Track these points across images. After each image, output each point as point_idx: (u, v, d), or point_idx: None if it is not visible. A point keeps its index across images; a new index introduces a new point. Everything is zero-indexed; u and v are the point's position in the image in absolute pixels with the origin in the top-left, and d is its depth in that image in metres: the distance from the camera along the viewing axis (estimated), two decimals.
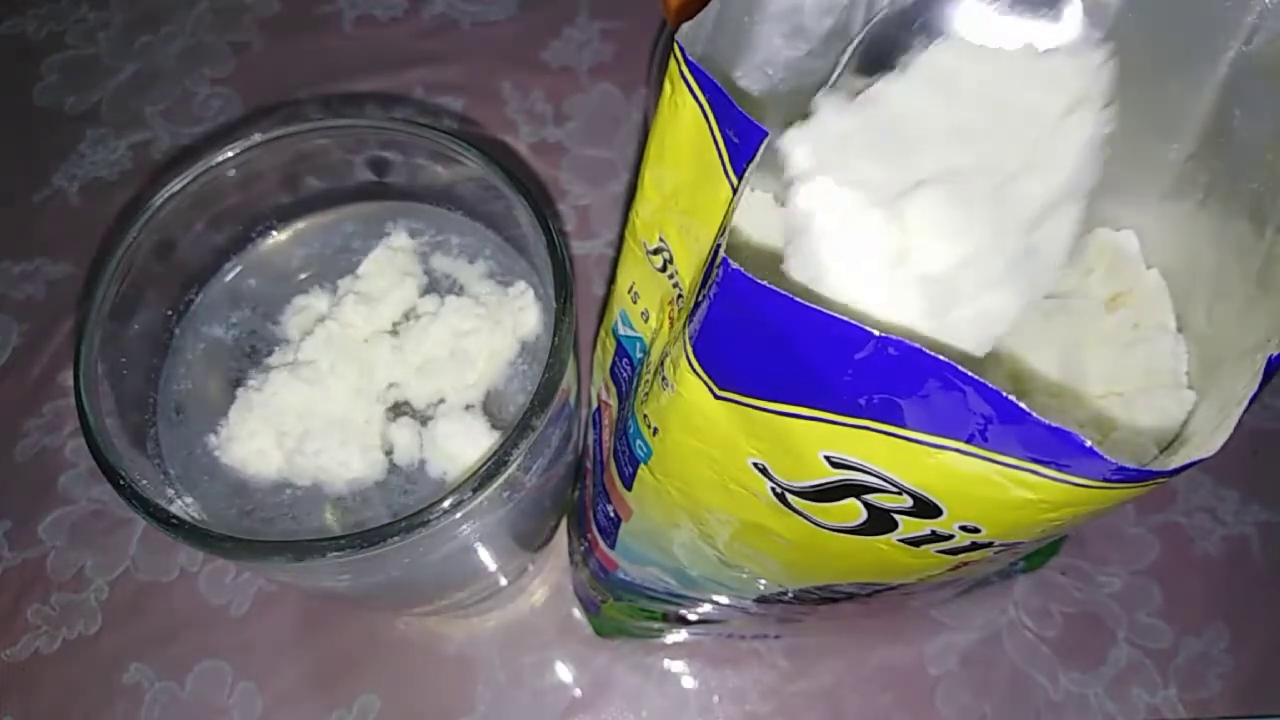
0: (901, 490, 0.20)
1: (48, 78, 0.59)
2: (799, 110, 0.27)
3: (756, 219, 0.28)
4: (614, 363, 0.32)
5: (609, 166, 0.55)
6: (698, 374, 0.21)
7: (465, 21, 0.60)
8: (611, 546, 0.34)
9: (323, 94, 0.57)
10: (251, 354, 0.33)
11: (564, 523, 0.43)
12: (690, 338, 0.21)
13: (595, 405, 0.36)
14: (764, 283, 0.18)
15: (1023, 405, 0.17)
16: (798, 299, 0.17)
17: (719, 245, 0.19)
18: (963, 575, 0.29)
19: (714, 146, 0.22)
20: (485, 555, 0.34)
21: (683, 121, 0.23)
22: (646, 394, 0.25)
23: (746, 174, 0.21)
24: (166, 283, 0.33)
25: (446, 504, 0.25)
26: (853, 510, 0.21)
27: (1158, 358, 0.25)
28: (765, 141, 0.20)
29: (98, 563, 0.45)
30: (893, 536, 0.22)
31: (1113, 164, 0.21)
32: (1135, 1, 0.23)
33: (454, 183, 0.34)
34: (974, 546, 0.22)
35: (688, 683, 0.42)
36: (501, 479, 0.26)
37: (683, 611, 0.37)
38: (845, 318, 0.17)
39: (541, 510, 0.36)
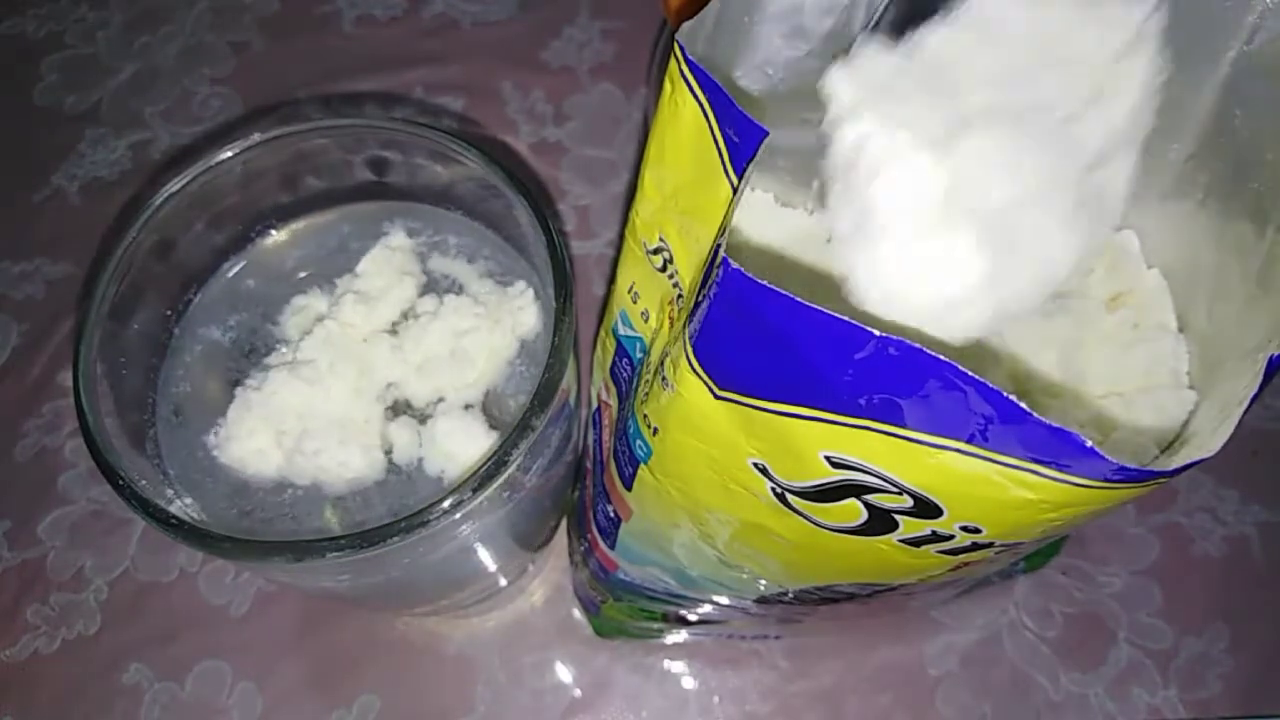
0: (902, 490, 0.20)
1: (47, 77, 0.59)
2: (799, 110, 0.27)
3: (756, 219, 0.28)
4: (614, 363, 0.32)
5: (609, 166, 0.55)
6: (698, 374, 0.21)
7: (465, 21, 0.60)
8: (611, 547, 0.34)
9: (322, 94, 0.57)
10: (250, 354, 0.33)
11: (564, 523, 0.43)
12: (690, 338, 0.21)
13: (595, 405, 0.36)
14: (764, 283, 0.18)
15: (1023, 405, 0.17)
16: (798, 299, 0.17)
17: (719, 245, 0.19)
18: (963, 575, 0.29)
19: (714, 146, 0.22)
20: (485, 555, 0.34)
21: (683, 121, 0.23)
22: (646, 394, 0.25)
23: (746, 174, 0.21)
24: (166, 282, 0.33)
25: (446, 504, 0.25)
26: (853, 510, 0.21)
27: (1158, 358, 0.25)
28: (765, 141, 0.20)
29: (97, 563, 0.45)
30: (893, 537, 0.22)
31: None
32: None
33: (454, 182, 0.34)
34: (974, 547, 0.21)
35: (688, 683, 0.42)
36: (501, 479, 0.26)
37: (683, 612, 0.37)
38: (845, 318, 0.17)
39: (541, 510, 0.36)
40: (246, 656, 0.43)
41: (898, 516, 0.21)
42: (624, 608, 0.38)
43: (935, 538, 0.21)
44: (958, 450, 0.18)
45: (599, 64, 0.58)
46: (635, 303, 0.29)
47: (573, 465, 0.37)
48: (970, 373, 0.17)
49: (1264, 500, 0.45)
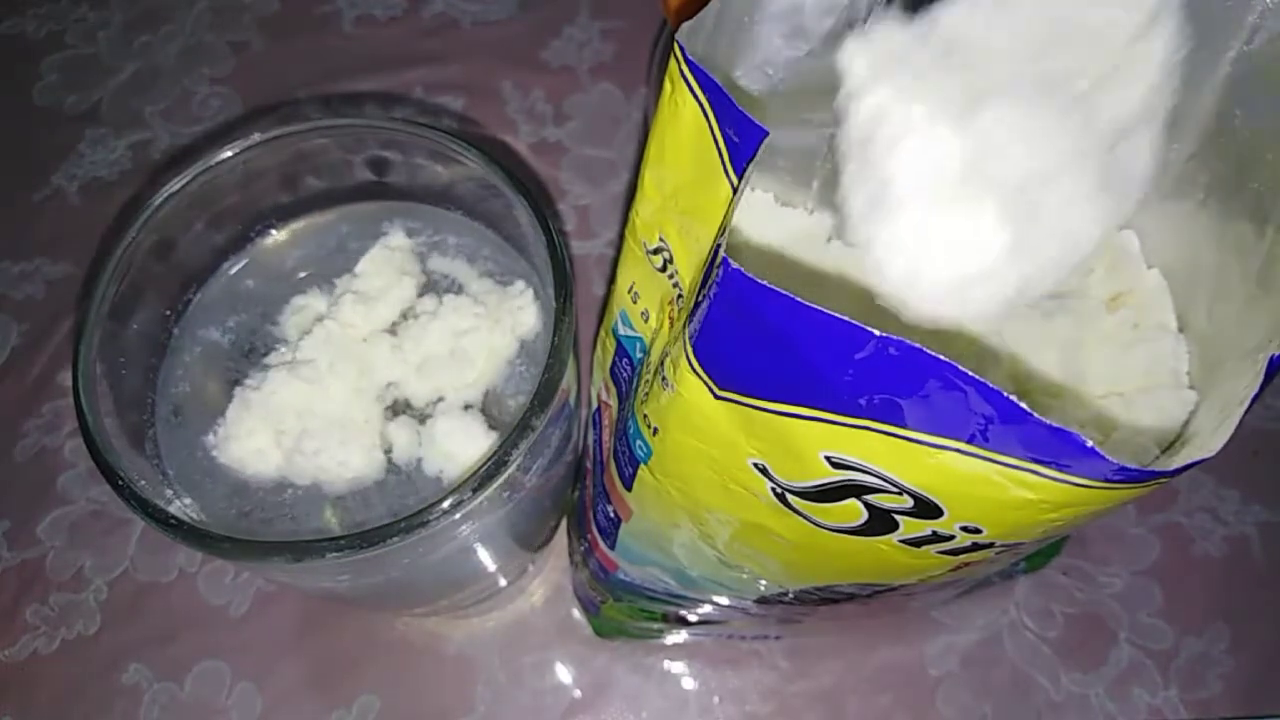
0: (902, 490, 0.20)
1: (47, 77, 0.59)
2: (799, 110, 0.27)
3: (756, 219, 0.28)
4: (614, 363, 0.32)
5: (609, 166, 0.55)
6: (698, 374, 0.21)
7: (465, 21, 0.60)
8: (611, 547, 0.34)
9: (322, 94, 0.57)
10: (250, 354, 0.33)
11: (564, 523, 0.43)
12: (690, 338, 0.21)
13: (595, 405, 0.36)
14: (764, 283, 0.18)
15: (1023, 405, 0.17)
16: (798, 299, 0.17)
17: (719, 245, 0.19)
18: (964, 576, 0.29)
19: (714, 146, 0.22)
20: (485, 555, 0.34)
21: (683, 121, 0.23)
22: (646, 394, 0.25)
23: (746, 174, 0.21)
24: (165, 282, 0.33)
25: (446, 504, 0.25)
26: (853, 511, 0.21)
27: (1158, 358, 0.25)
28: (765, 141, 0.20)
29: (97, 563, 0.45)
30: (893, 537, 0.22)
31: None
32: None
33: (454, 182, 0.34)
34: (975, 547, 0.21)
35: (688, 683, 0.42)
36: (501, 479, 0.26)
37: (683, 612, 0.37)
38: (845, 318, 0.17)
39: (541, 510, 0.36)
40: (246, 656, 0.43)
41: (898, 517, 0.21)
42: (624, 608, 0.38)
43: (935, 538, 0.21)
44: (958, 450, 0.18)
45: (599, 64, 0.58)
46: (635, 303, 0.29)
47: (573, 465, 0.37)
48: (970, 373, 0.17)
49: (1264, 500, 0.45)
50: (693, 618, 0.38)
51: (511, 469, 0.26)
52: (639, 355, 0.29)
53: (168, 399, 0.32)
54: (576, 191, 0.54)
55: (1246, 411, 0.18)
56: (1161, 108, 0.20)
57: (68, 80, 0.59)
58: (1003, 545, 0.22)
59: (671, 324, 0.26)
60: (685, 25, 0.22)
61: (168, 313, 0.33)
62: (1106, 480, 0.17)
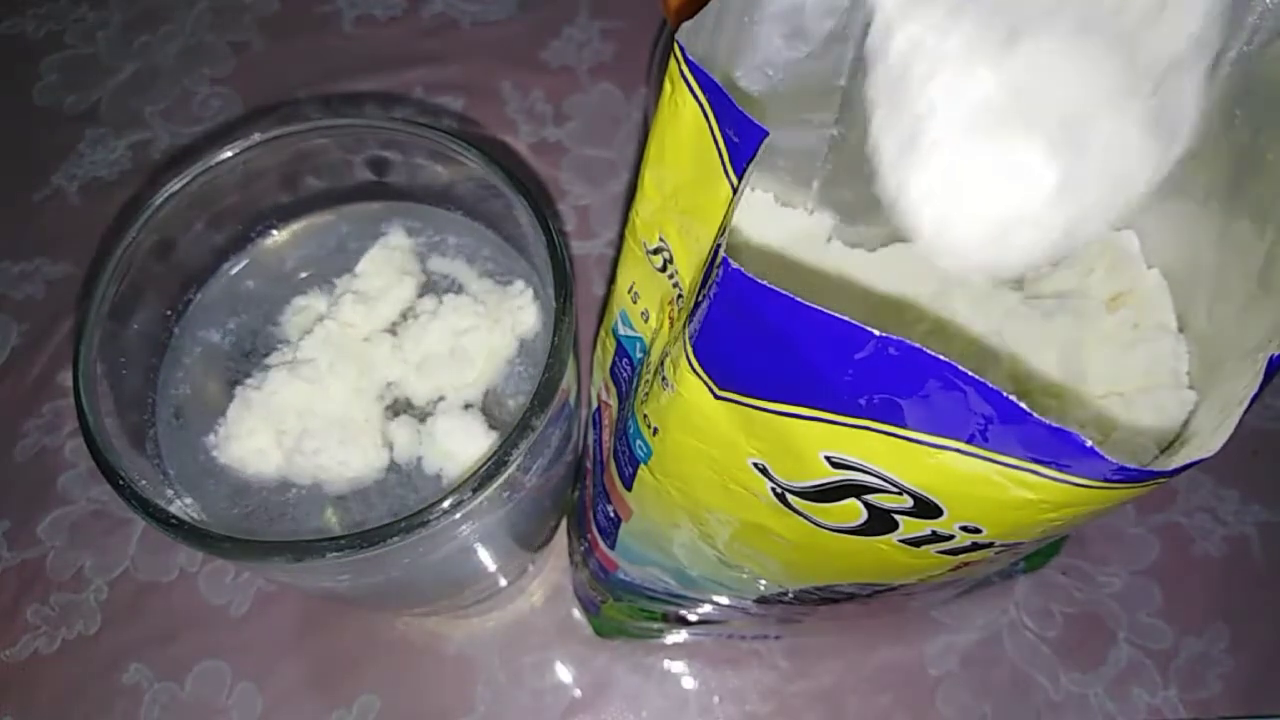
0: (902, 490, 0.20)
1: (47, 77, 0.59)
2: (799, 110, 0.27)
3: (756, 219, 0.28)
4: (614, 363, 0.32)
5: (609, 166, 0.55)
6: (698, 374, 0.21)
7: (465, 21, 0.60)
8: (611, 547, 0.34)
9: (322, 94, 0.57)
10: (250, 354, 0.33)
11: (564, 523, 0.43)
12: (690, 338, 0.21)
13: (595, 405, 0.36)
14: (764, 283, 0.18)
15: (1023, 405, 0.17)
16: (798, 299, 0.17)
17: (719, 245, 0.19)
18: (963, 576, 0.29)
19: (714, 146, 0.22)
20: (485, 555, 0.34)
21: (683, 121, 0.23)
22: (646, 394, 0.25)
23: (746, 174, 0.21)
24: (166, 282, 0.33)
25: (446, 504, 0.25)
26: (853, 510, 0.21)
27: (1158, 358, 0.25)
28: (765, 141, 0.20)
29: (97, 563, 0.45)
30: (893, 537, 0.22)
31: None
32: None
33: (454, 182, 0.34)
34: (974, 547, 0.21)
35: (688, 683, 0.42)
36: (501, 479, 0.26)
37: (683, 612, 0.37)
38: (845, 318, 0.17)
39: (541, 510, 0.36)
40: (246, 656, 0.43)
41: (898, 516, 0.21)
42: (624, 608, 0.38)
43: (935, 538, 0.21)
44: (958, 450, 0.18)
45: (599, 64, 0.58)
46: (635, 303, 0.29)
47: (573, 465, 0.37)
48: (970, 373, 0.17)
49: (1264, 500, 0.45)
50: (693, 617, 0.38)
51: (511, 469, 0.26)
52: (639, 355, 0.29)
53: (168, 399, 0.32)
54: (576, 191, 0.54)
55: (1246, 411, 0.18)
56: (1208, 47, 0.19)
57: (67, 80, 0.59)
58: (1002, 545, 0.22)
59: (671, 324, 0.26)
60: (685, 25, 0.22)
61: (168, 313, 0.33)
62: (1106, 480, 0.17)
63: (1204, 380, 0.24)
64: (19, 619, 0.44)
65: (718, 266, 0.19)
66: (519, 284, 0.33)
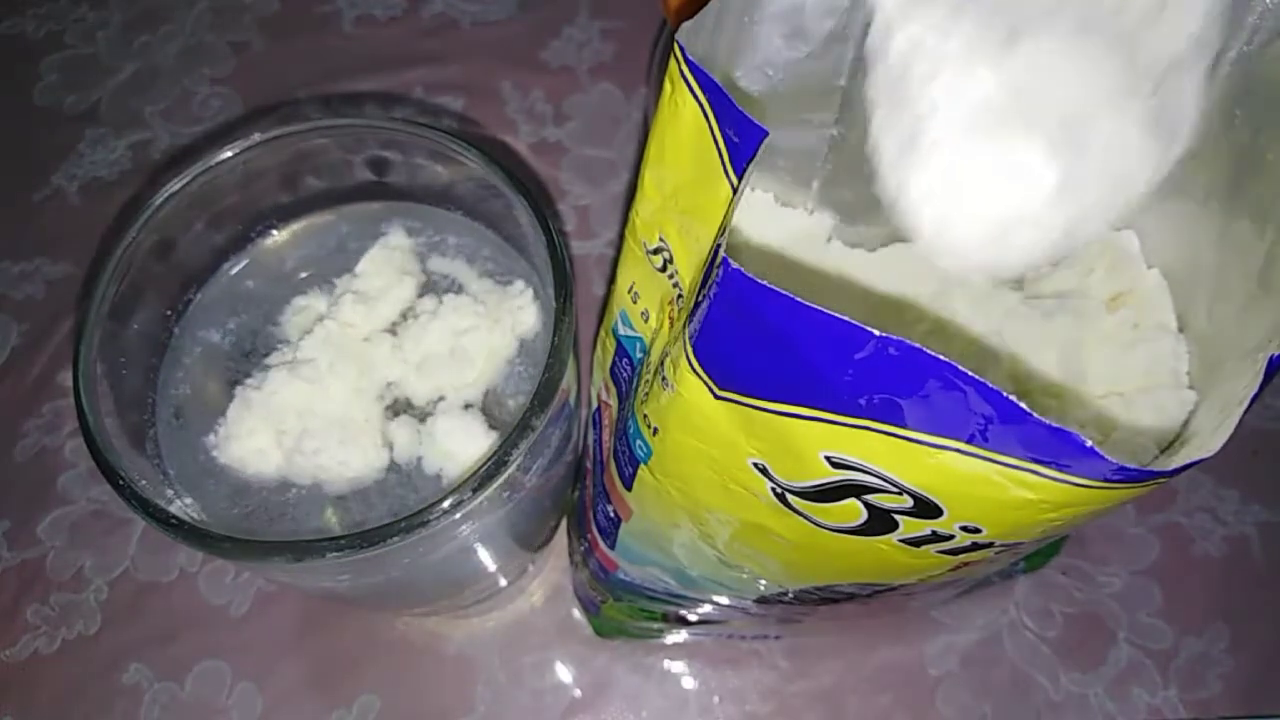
0: (902, 490, 0.20)
1: (47, 77, 0.59)
2: (799, 110, 0.27)
3: (756, 219, 0.28)
4: (614, 363, 0.32)
5: (609, 166, 0.55)
6: (698, 374, 0.21)
7: (465, 21, 0.60)
8: (611, 547, 0.34)
9: (322, 94, 0.57)
10: (250, 354, 0.33)
11: (564, 523, 0.43)
12: (690, 338, 0.21)
13: (595, 405, 0.36)
14: (764, 283, 0.18)
15: (1023, 405, 0.17)
16: (798, 299, 0.17)
17: (719, 245, 0.19)
18: (963, 576, 0.29)
19: (714, 146, 0.22)
20: (485, 555, 0.34)
21: (683, 121, 0.23)
22: (646, 394, 0.25)
23: (746, 174, 0.21)
24: (166, 282, 0.33)
25: (446, 504, 0.25)
26: (853, 510, 0.21)
27: (1158, 358, 0.25)
28: (765, 141, 0.20)
29: (97, 563, 0.45)
30: (893, 537, 0.22)
31: None
32: None
33: (454, 182, 0.34)
34: (974, 547, 0.21)
35: (688, 683, 0.42)
36: (501, 479, 0.26)
37: (683, 612, 0.37)
38: (845, 318, 0.17)
39: (541, 510, 0.36)
40: (246, 656, 0.43)
41: (898, 516, 0.21)
42: (624, 608, 0.38)
43: (935, 538, 0.21)
44: (958, 450, 0.18)
45: (599, 64, 0.58)
46: (635, 303, 0.29)
47: (573, 465, 0.37)
48: (970, 373, 0.17)
49: (1264, 500, 0.45)
50: (693, 617, 0.38)
51: (511, 469, 0.26)
52: (639, 355, 0.29)
53: (168, 399, 0.32)
54: (576, 191, 0.54)
55: (1246, 411, 0.18)
56: (1208, 46, 0.19)
57: (67, 80, 0.59)
58: (1002, 545, 0.22)
59: (671, 324, 0.26)
60: (685, 25, 0.22)
61: (168, 313, 0.33)
62: (1106, 480, 0.17)
63: (1204, 380, 0.24)
64: (19, 619, 0.44)
65: (718, 266, 0.19)
66: (519, 284, 0.33)
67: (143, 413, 0.31)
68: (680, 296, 0.26)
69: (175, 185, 0.31)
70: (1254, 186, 0.22)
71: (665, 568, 0.32)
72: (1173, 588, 0.43)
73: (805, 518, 0.22)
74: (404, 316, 0.33)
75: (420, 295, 0.33)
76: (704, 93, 0.22)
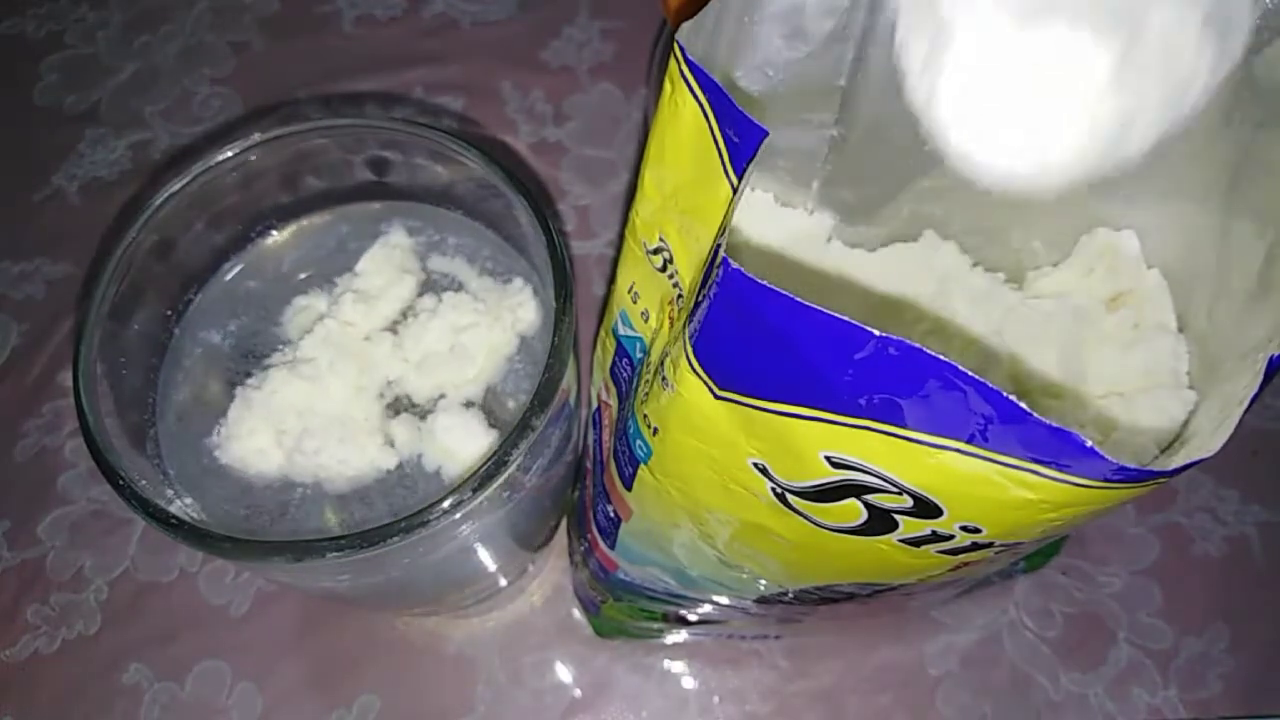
0: (902, 490, 0.20)
1: (47, 77, 0.59)
2: (799, 110, 0.27)
3: (756, 219, 0.28)
4: (614, 363, 0.32)
5: (609, 166, 0.55)
6: (698, 374, 0.21)
7: (465, 21, 0.60)
8: (611, 547, 0.34)
9: (322, 94, 0.57)
10: (251, 354, 0.33)
11: (564, 523, 0.43)
12: (690, 338, 0.21)
13: (595, 405, 0.36)
14: (764, 283, 0.18)
15: (1023, 405, 0.17)
16: (798, 299, 0.17)
17: (719, 245, 0.19)
18: (963, 575, 0.29)
19: (714, 146, 0.22)
20: (485, 555, 0.34)
21: (683, 121, 0.23)
22: (646, 394, 0.25)
23: (746, 174, 0.21)
24: (166, 282, 0.33)
25: (446, 504, 0.25)
26: (853, 510, 0.21)
27: (1158, 358, 0.25)
28: (765, 141, 0.20)
29: (97, 563, 0.45)
30: (893, 537, 0.22)
31: None
32: None
33: (454, 182, 0.34)
34: (974, 547, 0.21)
35: (688, 683, 0.42)
36: (501, 479, 0.26)
37: (683, 612, 0.37)
38: (845, 318, 0.17)
39: (541, 510, 0.36)
40: (246, 656, 0.43)
41: (898, 516, 0.21)
42: (624, 608, 0.38)
43: (935, 538, 0.21)
44: (958, 450, 0.18)
45: (599, 64, 0.58)
46: (635, 303, 0.29)
47: (573, 465, 0.37)
48: (970, 373, 0.17)
49: (1264, 500, 0.45)
50: (693, 617, 0.38)
51: (511, 469, 0.26)
52: (639, 355, 0.29)
53: (169, 399, 0.32)
54: (576, 191, 0.54)
55: (1246, 411, 0.18)
56: None
57: (67, 80, 0.59)
58: (1002, 545, 0.22)
59: (671, 324, 0.26)
60: (685, 25, 0.22)
61: (168, 313, 0.33)
62: (1106, 480, 0.17)
63: (1204, 380, 0.24)
64: (19, 619, 0.44)
65: (718, 266, 0.19)
66: (518, 281, 0.33)
67: (143, 413, 0.31)
68: (680, 296, 0.26)
69: (175, 185, 0.31)
70: (1254, 186, 0.22)
71: (665, 568, 0.32)
72: (1173, 588, 0.43)
73: (805, 518, 0.22)
74: (404, 315, 0.33)
75: (420, 294, 0.33)
76: (704, 93, 0.22)
